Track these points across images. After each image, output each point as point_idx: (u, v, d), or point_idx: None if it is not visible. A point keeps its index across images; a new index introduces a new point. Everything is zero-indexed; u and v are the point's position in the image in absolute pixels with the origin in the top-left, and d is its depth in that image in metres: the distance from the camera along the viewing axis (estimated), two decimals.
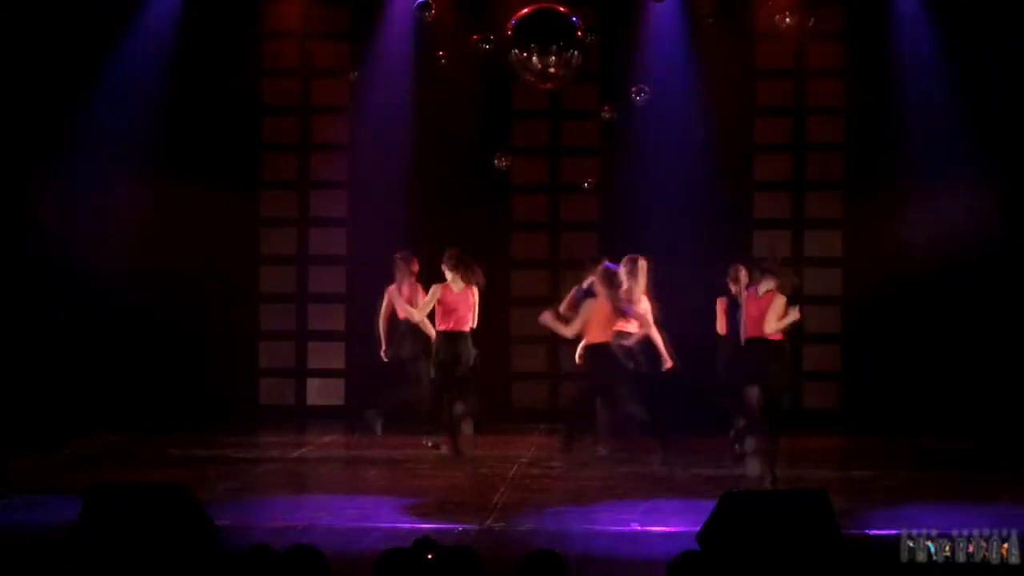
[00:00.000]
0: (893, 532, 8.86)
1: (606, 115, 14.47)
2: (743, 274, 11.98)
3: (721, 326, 12.18)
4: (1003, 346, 13.32)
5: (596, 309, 11.45)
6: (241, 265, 15.32)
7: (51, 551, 7.82)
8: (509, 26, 10.93)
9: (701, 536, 6.47)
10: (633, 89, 13.90)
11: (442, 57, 14.13)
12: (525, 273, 15.31)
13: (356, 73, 14.70)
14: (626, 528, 8.99)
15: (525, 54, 10.77)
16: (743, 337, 11.35)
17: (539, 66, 10.74)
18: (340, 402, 15.29)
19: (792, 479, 10.96)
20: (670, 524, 8.94)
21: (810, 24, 13.94)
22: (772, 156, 15.35)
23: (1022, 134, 12.06)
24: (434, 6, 13.56)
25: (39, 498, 10.01)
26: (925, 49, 13.56)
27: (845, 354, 14.96)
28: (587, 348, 11.54)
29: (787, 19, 13.83)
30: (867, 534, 8.73)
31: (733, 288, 12.08)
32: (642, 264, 11.84)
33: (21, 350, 11.99)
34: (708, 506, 6.63)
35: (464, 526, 8.90)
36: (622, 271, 11.68)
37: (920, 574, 6.49)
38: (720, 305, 12.21)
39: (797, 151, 15.31)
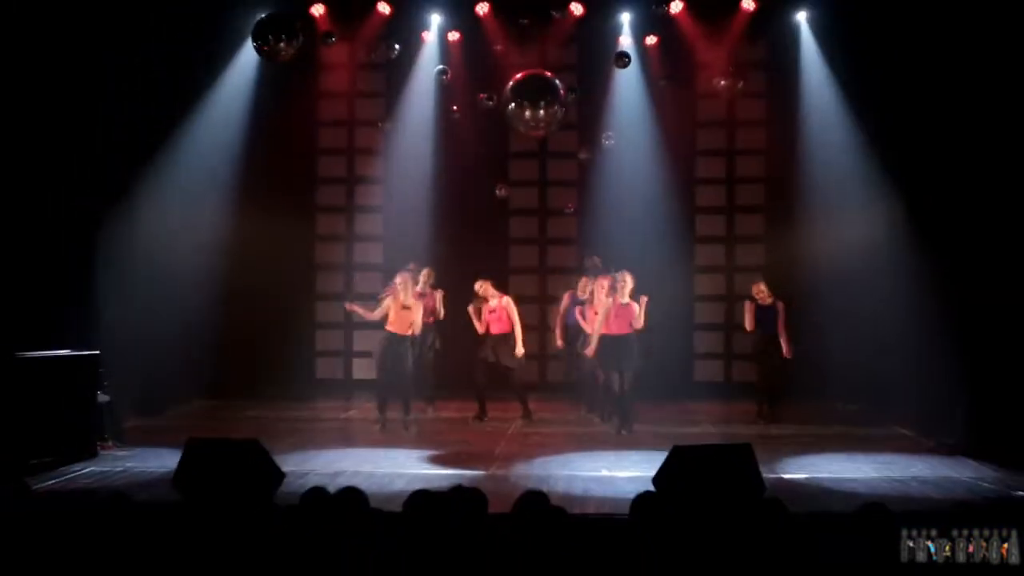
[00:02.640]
0: (801, 476, 8.92)
1: (582, 155, 14.51)
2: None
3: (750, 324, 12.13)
4: (877, 332, 13.03)
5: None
6: (302, 271, 15.32)
7: (158, 491, 7.87)
8: (507, 87, 10.94)
9: (656, 479, 6.48)
10: (604, 135, 13.94)
11: (456, 110, 14.17)
12: (520, 278, 15.31)
13: (387, 123, 14.70)
14: (598, 473, 9.03)
15: (519, 108, 10.76)
16: (620, 331, 11.28)
17: (530, 118, 10.73)
18: None
19: (727, 435, 11.00)
20: (632, 470, 8.97)
21: (739, 86, 14.01)
22: (710, 187, 15.36)
23: (909, 167, 11.97)
24: (450, 71, 13.67)
25: (149, 450, 10.07)
26: (828, 101, 13.54)
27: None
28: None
29: (722, 82, 13.90)
30: (782, 477, 8.78)
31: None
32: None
33: (137, 341, 11.99)
34: (661, 456, 6.65)
35: (473, 471, 8.97)
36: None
37: (920, 574, 5.38)
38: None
39: (729, 184, 15.32)
